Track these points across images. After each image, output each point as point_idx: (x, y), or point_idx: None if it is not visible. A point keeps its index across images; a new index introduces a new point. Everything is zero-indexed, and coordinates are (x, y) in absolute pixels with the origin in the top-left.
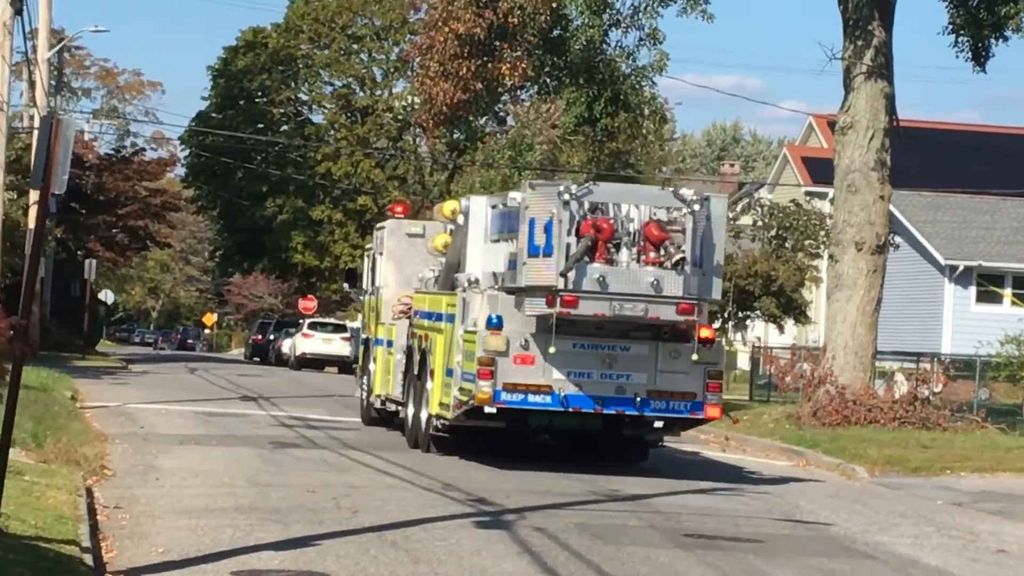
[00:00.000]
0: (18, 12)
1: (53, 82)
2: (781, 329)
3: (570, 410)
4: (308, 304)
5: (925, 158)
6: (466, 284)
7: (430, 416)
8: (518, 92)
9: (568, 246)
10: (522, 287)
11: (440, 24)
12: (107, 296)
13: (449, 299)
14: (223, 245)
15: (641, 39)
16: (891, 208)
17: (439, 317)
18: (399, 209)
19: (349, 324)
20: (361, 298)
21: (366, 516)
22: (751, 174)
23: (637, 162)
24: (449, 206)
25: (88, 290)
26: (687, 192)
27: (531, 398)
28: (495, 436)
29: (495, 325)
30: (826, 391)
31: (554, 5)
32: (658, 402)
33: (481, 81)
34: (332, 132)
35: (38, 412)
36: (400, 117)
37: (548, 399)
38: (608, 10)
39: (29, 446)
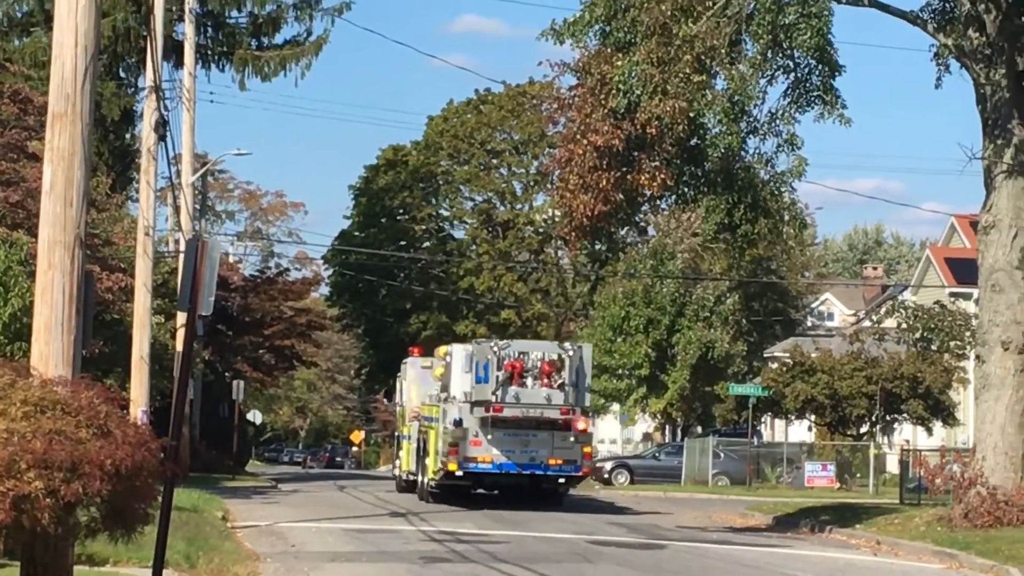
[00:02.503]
0: (162, 138)
1: (197, 206)
2: (929, 431)
3: (503, 472)
4: None
5: None
6: (443, 398)
7: (428, 480)
8: (658, 202)
9: (497, 377)
10: (474, 400)
11: (579, 137)
12: (255, 416)
13: (437, 408)
14: (368, 362)
15: (779, 145)
16: None
17: (432, 419)
18: (416, 351)
19: None
20: (395, 408)
21: None
22: (894, 276)
23: (779, 268)
24: (443, 350)
25: (236, 411)
26: (567, 344)
27: (480, 465)
28: (464, 491)
29: (458, 423)
30: (977, 492)
31: (691, 114)
32: (555, 467)
33: (621, 192)
34: (474, 247)
35: (190, 533)
36: (541, 230)
37: (490, 466)
38: (745, 117)
39: (182, 566)
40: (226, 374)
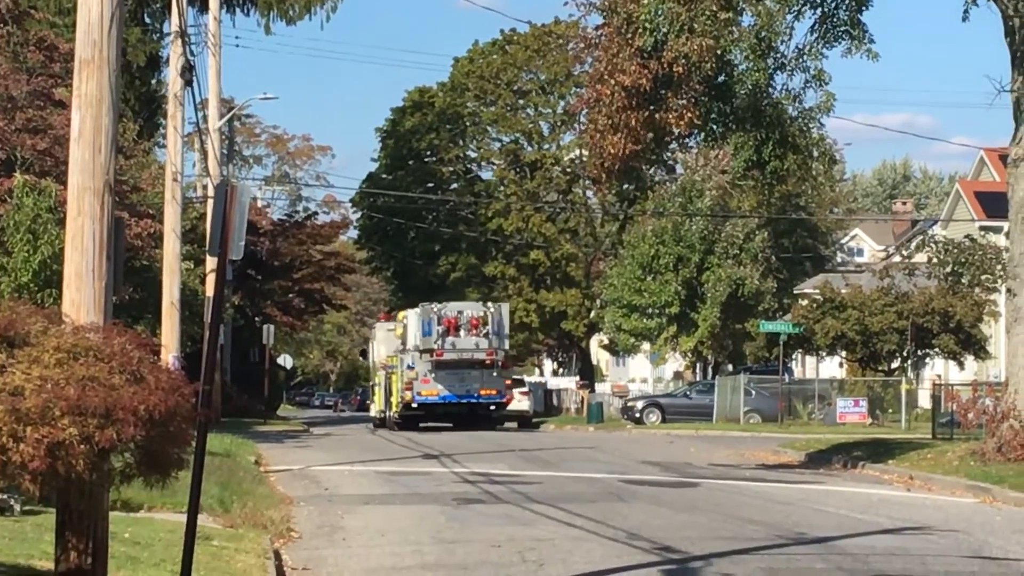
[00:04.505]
0: (188, 83)
1: (224, 151)
2: (961, 365)
3: (447, 402)
4: None
5: None
6: (401, 350)
7: (392, 414)
8: (686, 140)
9: (438, 331)
10: (422, 349)
11: (606, 77)
12: (286, 360)
13: (397, 358)
14: (398, 305)
15: (807, 81)
16: None
17: (393, 367)
18: (383, 317)
19: (527, 379)
20: (369, 365)
21: (552, 569)
22: (923, 211)
23: (808, 204)
24: (401, 314)
25: (267, 355)
26: (489, 304)
27: (429, 398)
28: (420, 419)
29: (411, 367)
30: (1010, 426)
31: (718, 52)
32: (485, 397)
33: (649, 131)
34: (502, 188)
35: (223, 478)
36: (569, 170)
37: (436, 398)
38: (772, 53)
39: (216, 511)
40: (256, 319)
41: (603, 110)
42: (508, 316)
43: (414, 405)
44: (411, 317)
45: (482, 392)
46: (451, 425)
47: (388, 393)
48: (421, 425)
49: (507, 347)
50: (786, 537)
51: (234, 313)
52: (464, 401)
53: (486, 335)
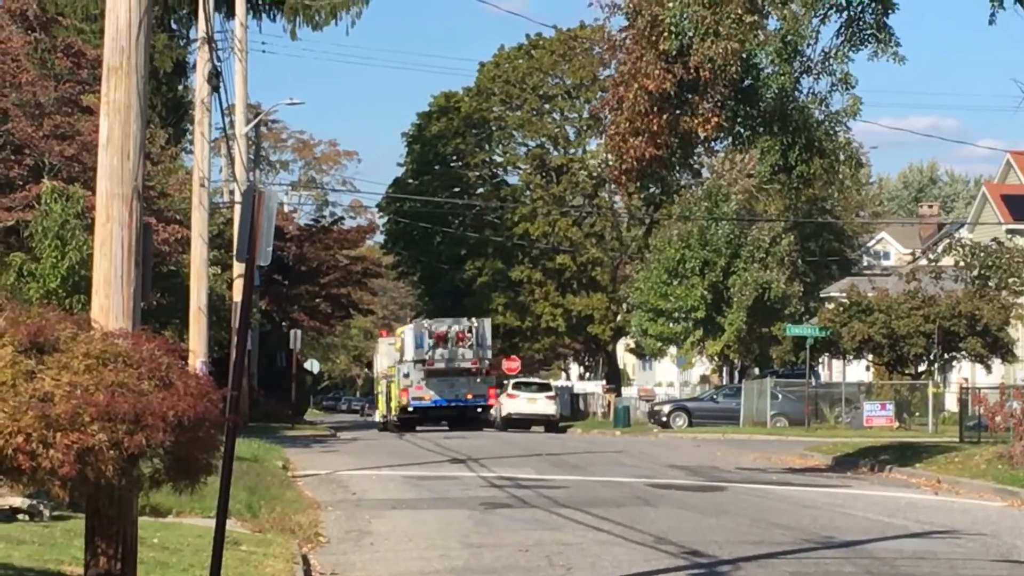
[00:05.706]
0: (215, 89)
1: (251, 156)
2: (988, 369)
3: (438, 406)
4: (512, 364)
5: None
6: (399, 360)
7: (392, 417)
8: (712, 144)
9: (429, 343)
10: (415, 360)
11: (629, 80)
12: (313, 365)
13: (395, 368)
14: (424, 309)
15: (833, 84)
16: None
17: (392, 376)
18: (384, 332)
19: (553, 383)
20: (373, 375)
21: (581, 573)
22: (950, 214)
23: (835, 208)
24: (399, 330)
25: (294, 360)
26: (473, 320)
27: (423, 402)
28: (416, 421)
29: (407, 375)
30: None
31: (744, 55)
32: (471, 400)
33: (675, 135)
34: (528, 192)
35: (251, 483)
36: (595, 174)
37: (429, 402)
38: (798, 57)
39: (244, 516)
40: (283, 324)
41: (625, 114)
42: (490, 329)
43: (410, 409)
44: (407, 332)
45: (468, 396)
46: (447, 427)
47: (388, 399)
48: (419, 428)
49: (490, 356)
50: (814, 541)
51: (261, 318)
52: (453, 405)
53: (471, 346)
